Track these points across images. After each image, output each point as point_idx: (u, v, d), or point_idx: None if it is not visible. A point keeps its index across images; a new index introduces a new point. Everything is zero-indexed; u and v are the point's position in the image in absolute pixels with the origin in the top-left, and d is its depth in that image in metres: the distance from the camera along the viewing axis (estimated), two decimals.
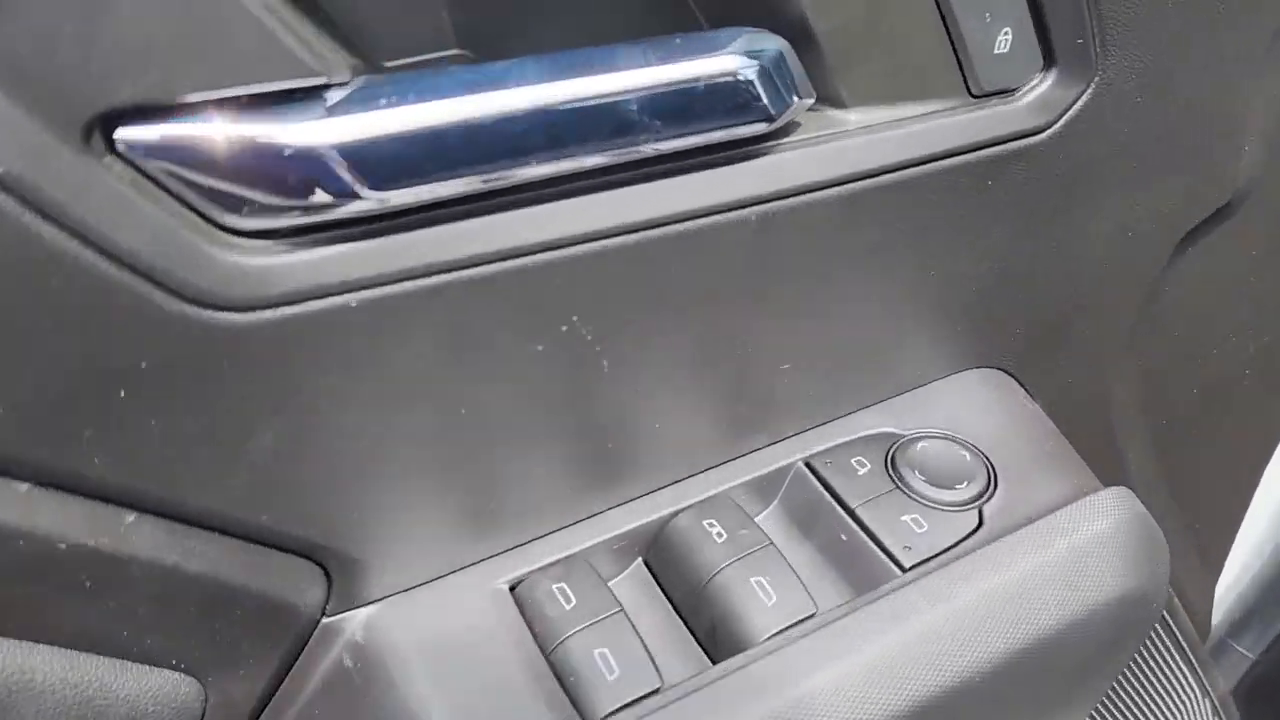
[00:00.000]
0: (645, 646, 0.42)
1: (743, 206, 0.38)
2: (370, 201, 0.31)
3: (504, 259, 0.34)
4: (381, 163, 0.30)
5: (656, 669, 0.41)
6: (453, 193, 0.32)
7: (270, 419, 0.33)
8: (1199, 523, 0.80)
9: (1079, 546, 0.45)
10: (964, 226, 0.46)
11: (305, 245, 0.31)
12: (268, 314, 0.31)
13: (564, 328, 0.37)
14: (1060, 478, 0.50)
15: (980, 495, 0.48)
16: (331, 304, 0.32)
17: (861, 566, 0.46)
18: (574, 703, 0.39)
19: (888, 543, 0.46)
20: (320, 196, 0.30)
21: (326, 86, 0.29)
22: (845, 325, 0.46)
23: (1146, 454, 0.69)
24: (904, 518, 0.47)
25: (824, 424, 0.50)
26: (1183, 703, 0.76)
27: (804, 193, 0.39)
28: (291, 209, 0.30)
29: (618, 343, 0.39)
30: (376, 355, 0.34)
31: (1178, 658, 0.72)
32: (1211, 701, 0.78)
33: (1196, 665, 0.74)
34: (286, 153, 0.29)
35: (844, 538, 0.47)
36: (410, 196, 0.31)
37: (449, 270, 0.33)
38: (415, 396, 0.36)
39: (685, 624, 0.45)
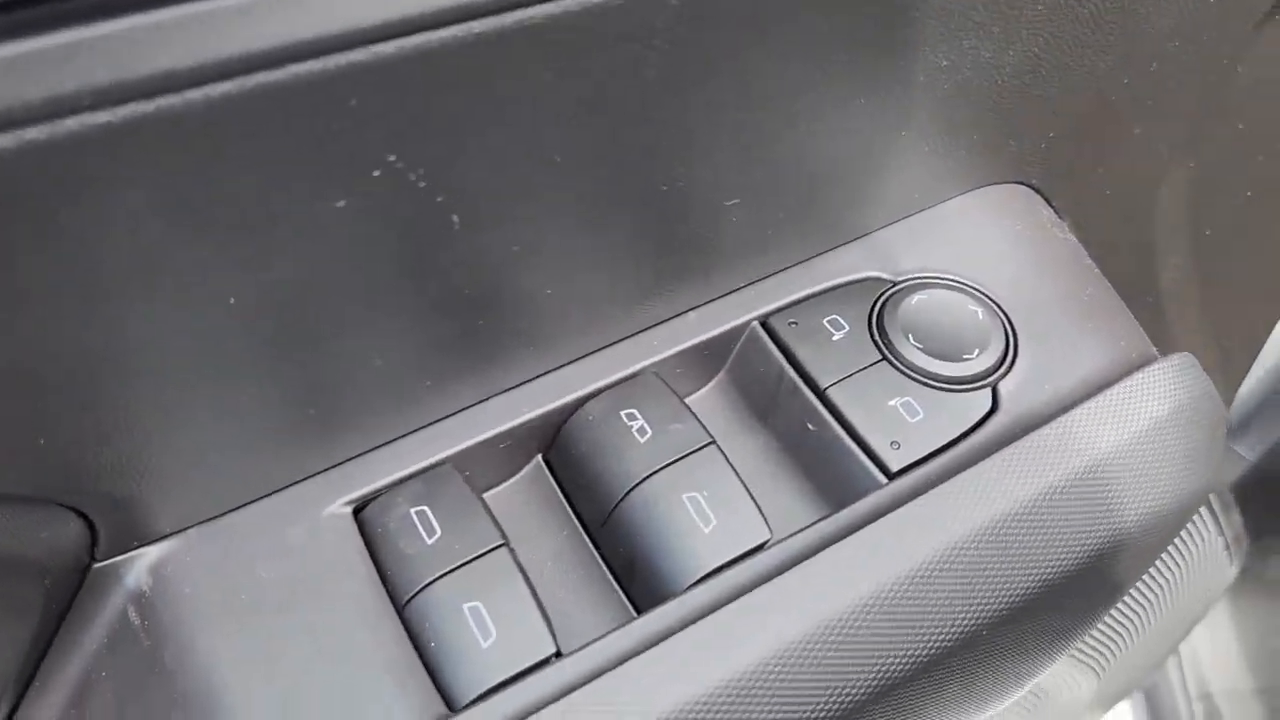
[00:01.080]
0: (536, 597, 0.30)
1: None
2: None
3: (252, 69, 0.20)
4: None
5: (550, 631, 0.30)
6: None
7: None
8: (1225, 338, 0.70)
9: (1133, 443, 0.33)
10: None
11: None
12: None
13: (376, 172, 0.24)
14: (1103, 338, 0.37)
15: (996, 368, 0.36)
16: None
17: (833, 471, 0.34)
18: (434, 678, 0.30)
19: (869, 437, 0.34)
20: None
21: None
22: (820, 140, 0.32)
23: (1181, 267, 0.57)
24: (892, 401, 0.35)
25: (787, 269, 0.37)
26: (1197, 545, 0.67)
27: None
28: None
29: (469, 187, 0.26)
30: (51, 230, 0.21)
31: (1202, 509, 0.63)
32: (1224, 540, 0.70)
33: (1216, 508, 0.65)
34: None
35: (811, 428, 0.35)
36: None
37: (151, 95, 0.20)
38: (139, 287, 0.23)
39: (597, 553, 0.33)
